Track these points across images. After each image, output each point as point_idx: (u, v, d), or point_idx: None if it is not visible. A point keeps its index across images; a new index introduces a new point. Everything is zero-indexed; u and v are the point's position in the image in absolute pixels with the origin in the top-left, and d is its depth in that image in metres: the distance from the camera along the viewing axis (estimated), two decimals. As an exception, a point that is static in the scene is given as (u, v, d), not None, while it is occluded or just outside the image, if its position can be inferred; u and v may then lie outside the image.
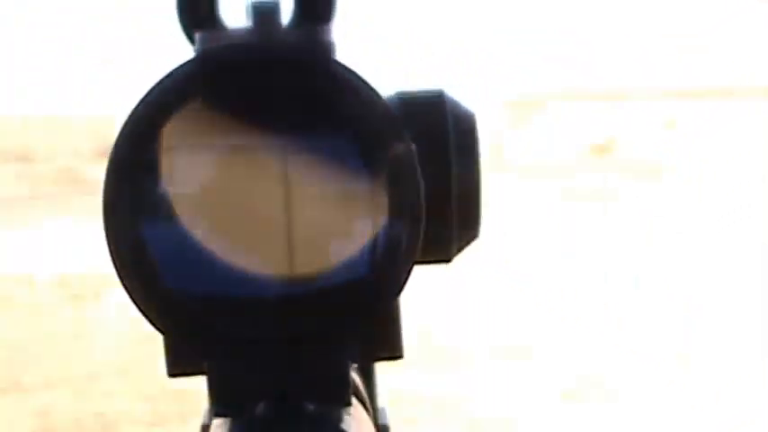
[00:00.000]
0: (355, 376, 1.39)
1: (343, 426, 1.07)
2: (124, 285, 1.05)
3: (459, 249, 1.16)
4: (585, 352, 18.03)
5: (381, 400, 1.76)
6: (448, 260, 1.14)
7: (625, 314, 20.01)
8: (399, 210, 0.98)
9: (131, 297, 1.05)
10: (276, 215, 1.01)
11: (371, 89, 1.00)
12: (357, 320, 1.03)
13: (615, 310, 19.92)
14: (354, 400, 1.19)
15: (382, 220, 0.99)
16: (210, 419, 1.13)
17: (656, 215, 31.99)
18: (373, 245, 1.01)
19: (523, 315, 20.89)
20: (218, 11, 1.08)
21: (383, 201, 1.04)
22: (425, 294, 19.78)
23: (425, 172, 1.01)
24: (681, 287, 23.25)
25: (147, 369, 18.89)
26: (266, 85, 0.99)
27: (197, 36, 1.05)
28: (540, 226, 30.89)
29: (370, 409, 1.51)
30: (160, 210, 1.03)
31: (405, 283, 1.04)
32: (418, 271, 1.14)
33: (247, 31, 1.04)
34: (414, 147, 1.01)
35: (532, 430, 14.60)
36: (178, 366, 1.06)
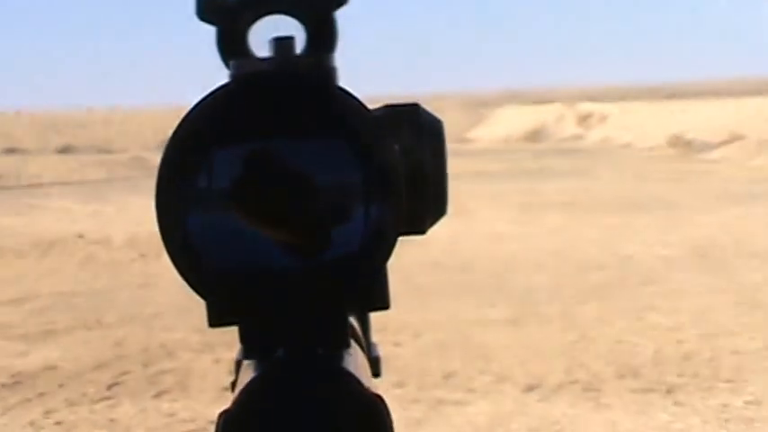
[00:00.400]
0: (354, 322, 1.63)
1: (344, 363, 1.25)
2: (171, 260, 1.23)
3: (432, 224, 1.33)
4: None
5: (373, 337, 1.95)
6: (423, 232, 1.33)
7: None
8: (385, 197, 1.14)
9: (177, 269, 1.24)
10: (290, 203, 1.21)
11: (362, 104, 1.16)
12: (355, 283, 1.18)
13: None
14: (353, 342, 1.41)
15: (372, 205, 1.15)
16: (242, 357, 1.34)
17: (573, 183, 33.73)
18: (365, 225, 1.17)
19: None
20: (248, 43, 1.29)
21: (373, 190, 1.15)
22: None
23: (406, 166, 1.20)
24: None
25: (198, 309, 20.44)
26: (284, 102, 1.15)
27: (231, 63, 1.21)
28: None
29: (365, 346, 1.71)
30: (199, 200, 1.21)
31: (390, 253, 1.20)
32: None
33: (270, 60, 1.22)
34: (396, 147, 1.20)
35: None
36: (216, 320, 1.24)
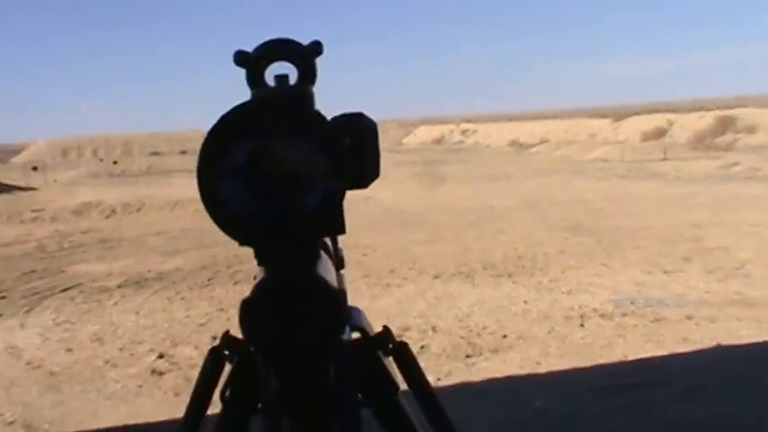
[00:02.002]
0: (327, 241, 1.49)
1: (317, 268, 1.19)
2: (209, 214, 1.14)
3: (370, 182, 1.17)
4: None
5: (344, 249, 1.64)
6: (365, 187, 1.17)
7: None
8: (338, 172, 1.10)
9: (214, 221, 1.14)
10: (280, 176, 1.13)
11: (323, 117, 1.11)
12: (322, 220, 1.13)
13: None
14: (323, 253, 1.32)
15: (330, 175, 1.10)
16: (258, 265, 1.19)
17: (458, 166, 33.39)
18: (326, 187, 1.11)
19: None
20: (264, 78, 1.16)
21: (332, 168, 1.12)
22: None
23: (353, 153, 1.14)
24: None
25: None
26: (279, 114, 1.11)
27: (251, 91, 1.15)
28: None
29: (332, 253, 1.51)
30: (223, 174, 1.13)
31: (341, 201, 1.13)
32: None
33: (273, 89, 1.13)
34: (347, 140, 1.14)
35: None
36: (240, 244, 1.10)
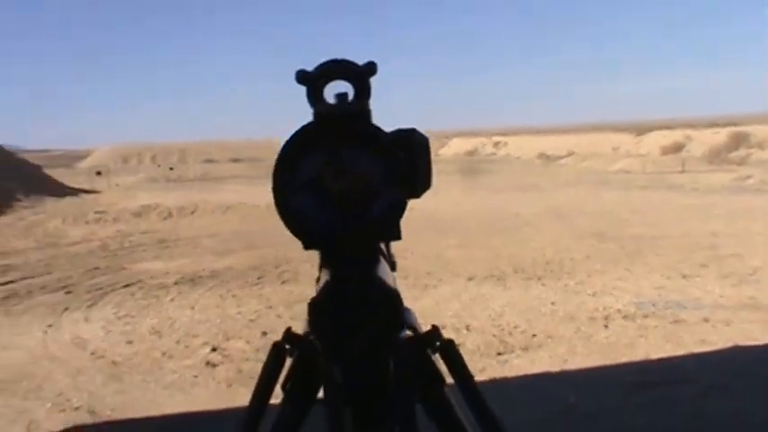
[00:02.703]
0: (382, 246, 1.46)
1: (377, 270, 1.19)
2: (284, 222, 1.16)
3: (422, 193, 1.16)
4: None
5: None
6: (418, 197, 1.15)
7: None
8: (399, 183, 1.11)
9: (287, 226, 1.17)
10: (347, 187, 1.14)
11: (383, 131, 1.12)
12: (384, 229, 1.15)
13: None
14: (381, 257, 1.32)
15: (390, 185, 1.11)
16: (320, 270, 1.28)
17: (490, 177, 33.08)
18: (387, 196, 1.12)
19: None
20: (323, 96, 1.16)
21: (393, 179, 1.13)
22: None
23: (407, 165, 1.14)
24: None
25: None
26: (342, 129, 1.12)
27: (313, 109, 1.16)
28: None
29: (387, 257, 1.51)
30: (298, 185, 1.15)
31: (402, 210, 1.14)
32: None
33: (334, 106, 1.14)
34: (401, 154, 1.14)
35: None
36: (307, 247, 1.13)
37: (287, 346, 1.32)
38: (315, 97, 1.20)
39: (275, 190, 1.18)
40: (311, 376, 1.25)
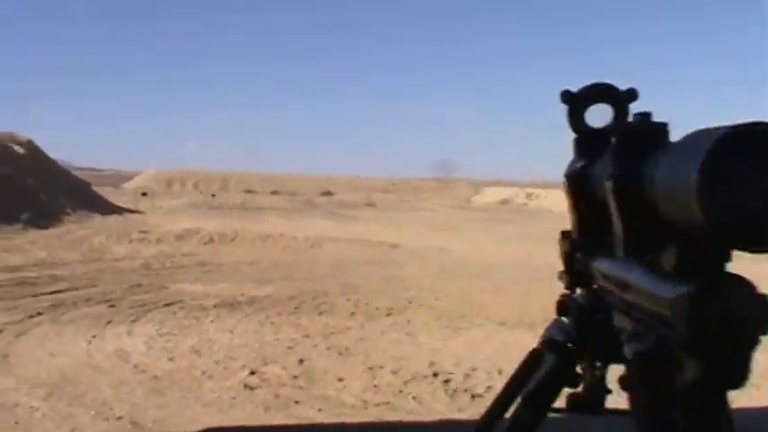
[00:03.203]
0: None
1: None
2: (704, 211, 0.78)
3: None
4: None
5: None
6: None
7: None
8: None
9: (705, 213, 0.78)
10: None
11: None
12: None
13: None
14: None
15: None
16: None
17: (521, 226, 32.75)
18: None
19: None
20: (584, 116, 1.11)
21: None
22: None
23: None
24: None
25: (339, 274, 20.45)
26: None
27: (572, 127, 1.09)
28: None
29: None
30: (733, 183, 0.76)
31: None
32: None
33: (634, 122, 0.91)
34: None
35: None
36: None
37: (544, 353, 1.31)
38: (576, 117, 1.18)
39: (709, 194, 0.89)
40: (559, 383, 1.25)
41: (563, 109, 1.19)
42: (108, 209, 40.52)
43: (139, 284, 16.84)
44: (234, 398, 8.99)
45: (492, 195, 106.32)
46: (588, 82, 1.20)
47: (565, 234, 1.36)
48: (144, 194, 60.03)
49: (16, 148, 38.06)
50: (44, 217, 30.24)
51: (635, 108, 1.14)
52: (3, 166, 33.57)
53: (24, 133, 41.47)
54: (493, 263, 24.92)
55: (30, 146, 40.02)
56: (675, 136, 1.03)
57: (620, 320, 1.08)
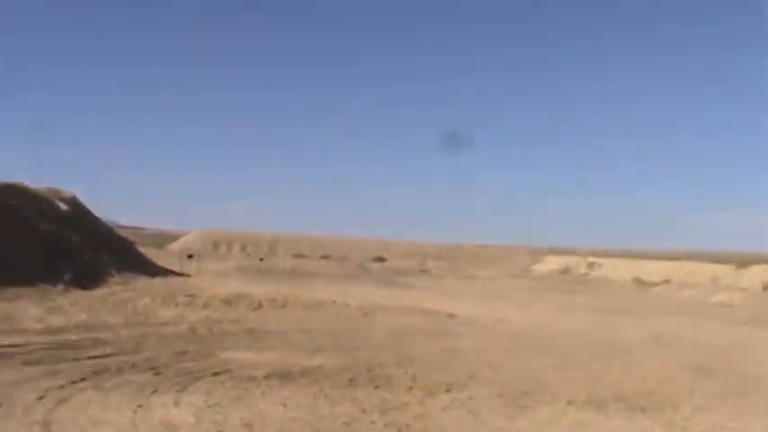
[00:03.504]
0: None
1: None
2: None
3: None
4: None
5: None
6: None
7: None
8: None
9: None
10: None
11: None
12: None
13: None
14: None
15: None
16: None
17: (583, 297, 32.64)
18: None
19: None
20: None
21: None
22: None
23: None
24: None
25: (395, 344, 20.13)
26: None
27: None
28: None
29: None
30: None
31: None
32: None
33: None
34: None
35: None
36: None
37: None
38: None
39: None
40: None
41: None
42: (153, 270, 40.80)
43: (185, 351, 16.70)
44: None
45: (552, 263, 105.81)
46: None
47: None
48: (190, 257, 60.27)
49: (60, 204, 38.26)
50: (87, 277, 30.41)
51: None
52: (47, 223, 33.80)
53: (67, 188, 41.61)
54: (554, 335, 24.54)
55: (73, 202, 40.29)
56: None
57: None
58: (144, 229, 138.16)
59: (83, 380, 13.05)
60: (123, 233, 57.25)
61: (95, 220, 43.47)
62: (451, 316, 28.35)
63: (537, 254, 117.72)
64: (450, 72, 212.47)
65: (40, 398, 11.53)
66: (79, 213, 40.00)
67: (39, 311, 21.66)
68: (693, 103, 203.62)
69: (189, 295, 28.58)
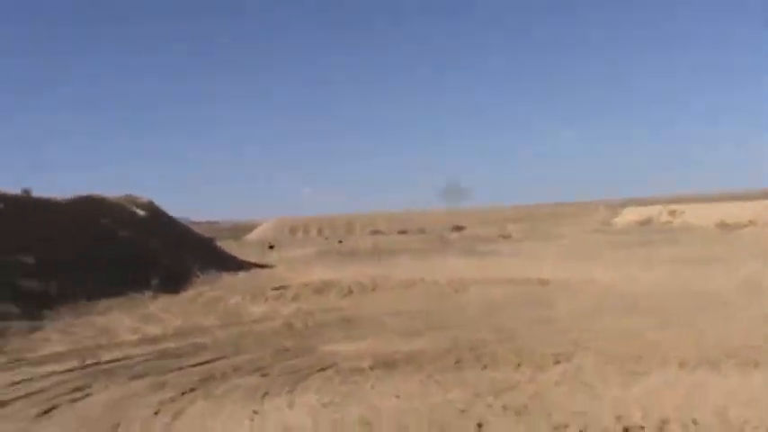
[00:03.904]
0: None
1: None
2: None
3: None
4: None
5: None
6: None
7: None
8: None
9: None
10: None
11: None
12: None
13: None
14: None
15: None
16: None
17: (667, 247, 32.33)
18: None
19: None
20: None
21: None
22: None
23: None
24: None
25: (491, 318, 20.23)
26: None
27: None
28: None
29: None
30: None
31: None
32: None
33: None
34: None
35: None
36: None
37: None
38: None
39: None
40: None
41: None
42: (235, 265, 41.22)
43: (286, 348, 16.88)
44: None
45: (632, 215, 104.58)
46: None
47: None
48: (271, 247, 60.94)
49: (138, 210, 39.04)
50: (173, 280, 30.84)
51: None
52: (126, 231, 34.52)
53: (141, 193, 42.39)
54: (649, 293, 24.32)
55: (150, 207, 41.04)
56: None
57: None
58: (218, 222, 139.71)
59: (192, 390, 13.21)
60: (198, 229, 57.90)
61: (172, 221, 44.16)
62: (543, 282, 28.31)
63: (616, 207, 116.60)
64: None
65: (156, 413, 11.69)
66: (157, 217, 40.70)
67: (133, 322, 21.96)
68: None
69: (277, 288, 28.91)
